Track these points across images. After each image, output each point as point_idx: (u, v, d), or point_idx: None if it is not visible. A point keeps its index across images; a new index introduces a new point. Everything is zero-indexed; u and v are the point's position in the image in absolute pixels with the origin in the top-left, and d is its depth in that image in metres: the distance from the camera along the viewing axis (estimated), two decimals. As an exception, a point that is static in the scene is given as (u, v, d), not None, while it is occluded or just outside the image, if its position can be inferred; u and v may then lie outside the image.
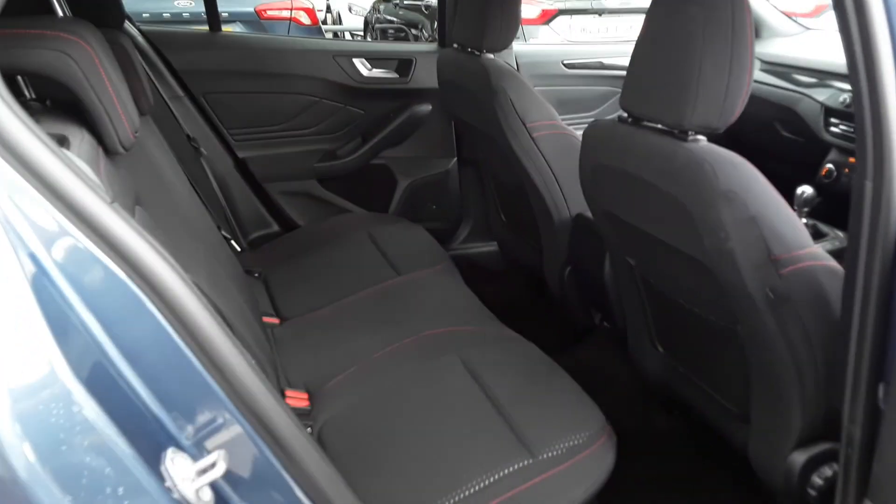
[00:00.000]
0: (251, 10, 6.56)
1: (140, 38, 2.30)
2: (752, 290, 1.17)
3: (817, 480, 1.25)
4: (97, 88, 0.94)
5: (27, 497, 0.54)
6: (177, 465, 0.66)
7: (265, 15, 6.62)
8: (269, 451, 0.73)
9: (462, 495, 1.22)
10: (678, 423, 1.96)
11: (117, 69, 1.02)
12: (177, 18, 5.95)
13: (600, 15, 5.53)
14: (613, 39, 5.37)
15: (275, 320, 1.94)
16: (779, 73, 2.48)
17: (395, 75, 2.55)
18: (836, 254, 1.26)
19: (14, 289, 0.58)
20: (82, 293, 0.62)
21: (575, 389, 1.46)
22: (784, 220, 1.17)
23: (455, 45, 2.16)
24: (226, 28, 6.24)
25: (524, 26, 5.55)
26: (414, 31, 5.99)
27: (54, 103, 0.98)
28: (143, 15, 5.97)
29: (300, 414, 1.52)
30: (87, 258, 0.63)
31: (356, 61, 2.50)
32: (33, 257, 0.60)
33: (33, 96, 1.05)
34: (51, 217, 0.62)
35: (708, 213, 1.17)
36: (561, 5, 5.59)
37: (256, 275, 2.20)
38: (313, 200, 2.60)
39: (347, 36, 9.37)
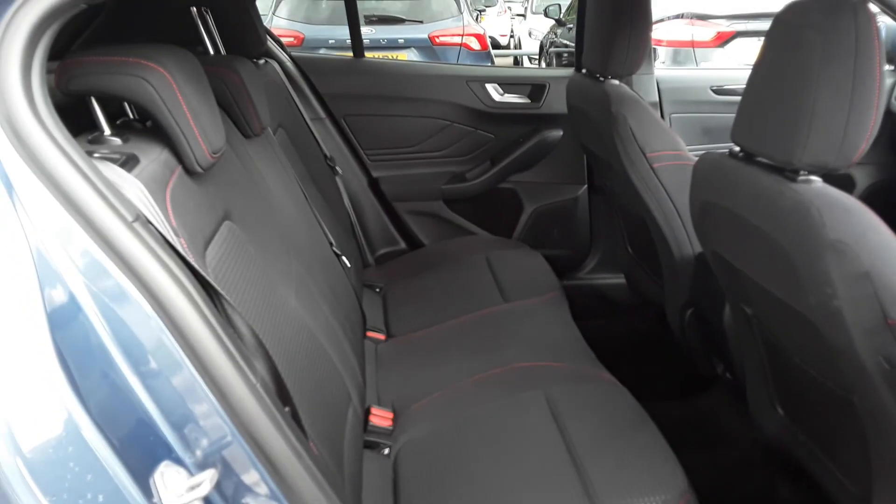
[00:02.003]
0: (425, 36, 6.83)
1: (289, 64, 2.48)
2: (864, 358, 1.01)
3: None
4: (174, 112, 1.03)
5: (5, 493, 0.59)
6: (167, 478, 0.69)
7: (437, 41, 6.85)
8: (266, 472, 0.74)
9: (516, 543, 1.16)
10: (804, 493, 1.73)
11: (205, 95, 1.11)
12: (358, 44, 6.32)
13: (783, 37, 5.06)
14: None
15: (381, 336, 1.99)
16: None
17: (526, 100, 2.53)
18: None
19: (23, 293, 0.64)
20: (91, 302, 0.67)
21: (660, 446, 1.33)
22: None
23: (583, 70, 2.10)
24: (401, 54, 6.61)
25: (696, 49, 5.26)
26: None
27: (154, 124, 1.08)
28: (329, 41, 6.44)
29: (382, 433, 1.54)
30: (99, 270, 0.69)
31: (489, 86, 2.51)
32: (47, 263, 0.66)
33: (136, 117, 1.17)
34: (69, 228, 0.69)
35: (813, 265, 1.02)
36: (741, 27, 5.21)
37: (378, 290, 2.28)
38: (439, 221, 2.63)
39: (526, 61, 9.51)
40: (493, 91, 2.52)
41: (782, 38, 1.12)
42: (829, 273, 0.99)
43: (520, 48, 11.21)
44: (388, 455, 1.48)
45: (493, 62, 7.12)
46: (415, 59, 6.51)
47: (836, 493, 1.33)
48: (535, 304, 1.96)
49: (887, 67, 2.67)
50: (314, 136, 2.44)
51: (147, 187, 0.88)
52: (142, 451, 0.69)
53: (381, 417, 1.58)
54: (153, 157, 1.01)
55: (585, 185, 2.56)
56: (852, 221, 1.00)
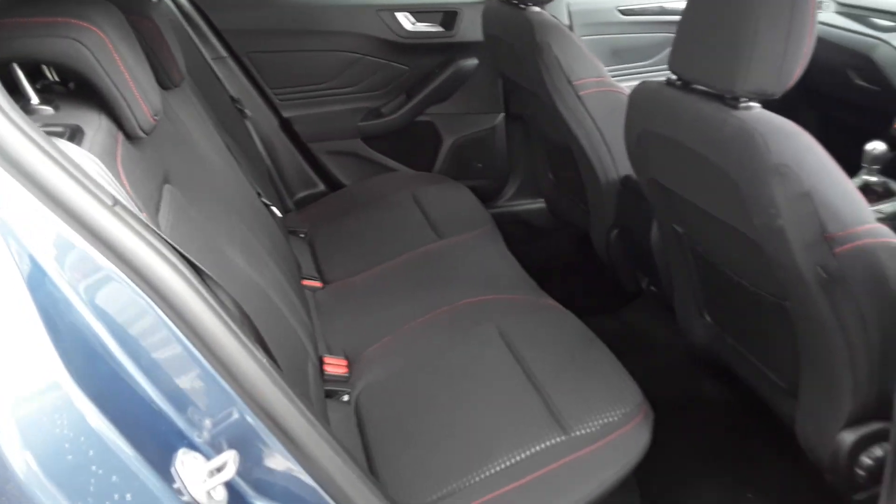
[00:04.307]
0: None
1: (183, 0, 2.28)
2: (803, 270, 1.10)
3: (866, 460, 1.20)
4: (112, 75, 0.93)
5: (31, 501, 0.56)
6: (187, 466, 0.66)
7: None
8: (283, 446, 0.73)
9: (492, 471, 1.21)
10: (727, 391, 1.91)
11: (137, 52, 1.01)
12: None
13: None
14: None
15: (317, 283, 1.95)
16: (855, 17, 2.28)
17: (440, 29, 2.47)
18: None
19: (13, 296, 0.58)
20: (84, 298, 0.62)
21: (613, 364, 1.42)
22: (841, 194, 1.08)
23: (500, -3, 2.06)
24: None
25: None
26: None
27: (78, 86, 0.98)
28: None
29: (339, 381, 1.54)
30: (88, 263, 0.63)
31: (399, 15, 2.42)
32: (34, 264, 0.60)
33: (56, 79, 1.05)
34: (50, 224, 0.62)
35: (758, 189, 1.09)
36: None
37: (302, 235, 2.22)
38: (358, 159, 2.57)
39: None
40: (405, 20, 2.43)
41: None
42: (773, 195, 1.07)
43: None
44: (349, 401, 1.49)
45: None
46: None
47: (763, 387, 1.48)
48: (470, 239, 1.99)
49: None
50: (218, 78, 2.29)
51: (101, 161, 0.80)
52: (158, 442, 0.66)
53: (335, 366, 1.58)
54: (95, 126, 0.92)
55: (502, 114, 2.57)
56: (793, 145, 1.07)
